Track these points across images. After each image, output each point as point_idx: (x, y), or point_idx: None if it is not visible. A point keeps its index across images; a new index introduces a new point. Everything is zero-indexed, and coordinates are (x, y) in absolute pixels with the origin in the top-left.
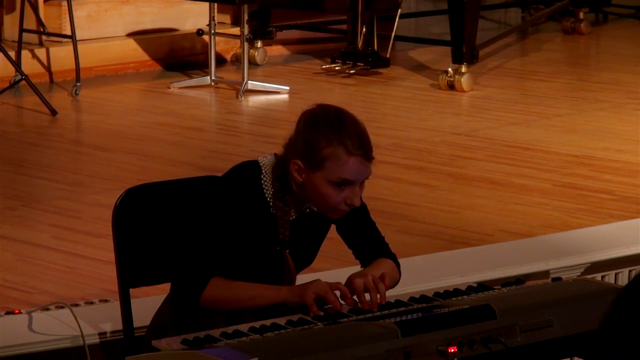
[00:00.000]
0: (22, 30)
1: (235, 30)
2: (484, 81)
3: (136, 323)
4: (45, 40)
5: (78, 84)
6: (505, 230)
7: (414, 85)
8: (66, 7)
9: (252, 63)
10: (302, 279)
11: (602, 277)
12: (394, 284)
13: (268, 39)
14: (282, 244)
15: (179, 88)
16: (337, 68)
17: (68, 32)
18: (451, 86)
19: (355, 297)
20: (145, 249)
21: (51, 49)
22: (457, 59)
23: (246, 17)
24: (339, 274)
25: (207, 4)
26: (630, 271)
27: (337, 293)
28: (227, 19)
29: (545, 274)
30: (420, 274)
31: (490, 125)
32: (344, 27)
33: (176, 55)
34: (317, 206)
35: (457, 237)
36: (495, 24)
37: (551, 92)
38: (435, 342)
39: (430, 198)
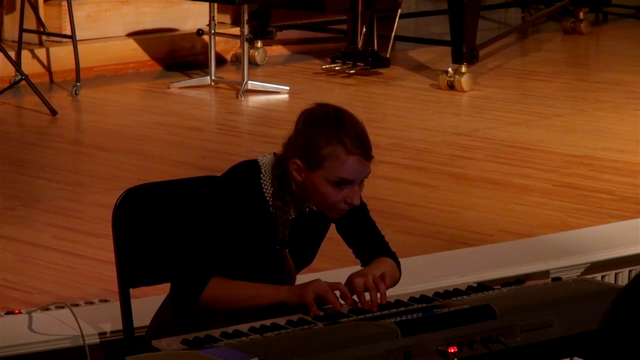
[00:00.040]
0: (22, 30)
1: (235, 30)
2: (484, 81)
3: (136, 323)
4: (45, 40)
5: (78, 84)
6: (505, 230)
7: (414, 85)
8: (66, 7)
9: (252, 63)
10: (302, 279)
11: (602, 277)
12: (395, 282)
13: (268, 39)
14: (282, 243)
15: (179, 88)
16: (337, 68)
17: (68, 32)
18: (451, 86)
19: (355, 296)
20: (145, 249)
21: (51, 49)
22: (457, 59)
23: (246, 17)
24: (339, 274)
25: (207, 4)
26: (630, 271)
27: (337, 293)
28: (227, 19)
29: (545, 274)
30: (420, 274)
31: (490, 125)
32: (344, 27)
33: (176, 55)
34: (316, 205)
35: (457, 237)
36: (495, 24)
37: (551, 92)
38: (435, 342)
39: (430, 198)
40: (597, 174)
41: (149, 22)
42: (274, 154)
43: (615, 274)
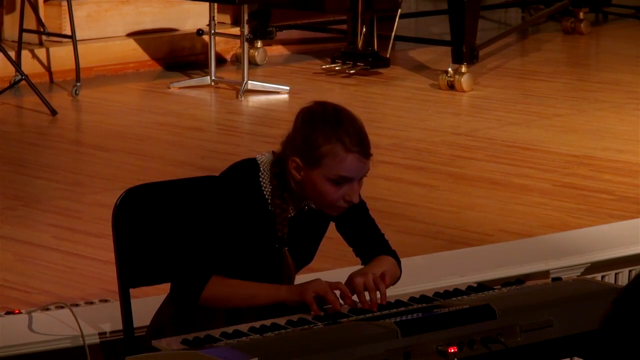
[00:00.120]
0: (22, 30)
1: (235, 30)
2: (484, 81)
3: (136, 323)
4: (45, 40)
5: (78, 84)
6: (505, 230)
7: (414, 85)
8: (66, 7)
9: (252, 63)
10: (301, 279)
11: (602, 277)
12: (395, 281)
13: (268, 39)
14: (281, 241)
15: (179, 88)
16: (337, 68)
17: (68, 32)
18: (451, 86)
19: (355, 296)
20: (145, 249)
21: (51, 49)
22: (457, 59)
23: (246, 17)
24: (339, 274)
25: (207, 4)
26: (630, 271)
27: (337, 292)
28: (227, 19)
29: (545, 274)
30: (420, 274)
31: (490, 125)
32: (344, 27)
33: (176, 55)
34: (315, 203)
35: (457, 237)
36: (495, 24)
37: (551, 92)
38: (435, 342)
39: (430, 198)
40: (597, 174)
41: (149, 22)
42: (273, 152)
43: (615, 274)
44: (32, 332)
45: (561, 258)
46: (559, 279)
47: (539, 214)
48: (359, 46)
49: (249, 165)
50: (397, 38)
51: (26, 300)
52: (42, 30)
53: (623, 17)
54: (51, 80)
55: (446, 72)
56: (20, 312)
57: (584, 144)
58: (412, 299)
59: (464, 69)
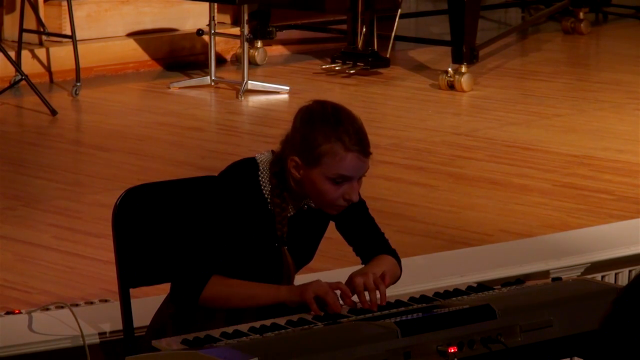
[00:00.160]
0: (22, 30)
1: (235, 30)
2: (484, 81)
3: (136, 323)
4: (45, 40)
5: (78, 84)
6: (505, 230)
7: (414, 85)
8: (66, 7)
9: (252, 63)
10: (301, 279)
11: (602, 277)
12: (395, 280)
13: (268, 39)
14: (281, 240)
15: (179, 88)
16: (337, 68)
17: (68, 32)
18: (451, 86)
19: (355, 296)
20: (145, 249)
21: (51, 49)
22: (457, 59)
23: (246, 17)
24: (339, 274)
25: (207, 4)
26: (630, 271)
27: (338, 292)
28: (227, 19)
29: (545, 274)
30: (420, 274)
31: (490, 125)
32: (344, 27)
33: (176, 55)
34: (315, 202)
35: (457, 237)
36: (495, 24)
37: (551, 92)
38: (435, 342)
39: (430, 198)
40: (597, 174)
41: (149, 22)
42: (272, 151)
43: (615, 274)
44: (32, 332)
45: (561, 258)
46: (559, 279)
47: (539, 214)
48: (359, 46)
49: (249, 165)
50: (397, 38)
51: (26, 300)
52: (42, 30)
53: (623, 17)
54: (51, 80)
55: (446, 72)
56: (20, 312)
57: (584, 144)
58: (412, 299)
59: (464, 69)
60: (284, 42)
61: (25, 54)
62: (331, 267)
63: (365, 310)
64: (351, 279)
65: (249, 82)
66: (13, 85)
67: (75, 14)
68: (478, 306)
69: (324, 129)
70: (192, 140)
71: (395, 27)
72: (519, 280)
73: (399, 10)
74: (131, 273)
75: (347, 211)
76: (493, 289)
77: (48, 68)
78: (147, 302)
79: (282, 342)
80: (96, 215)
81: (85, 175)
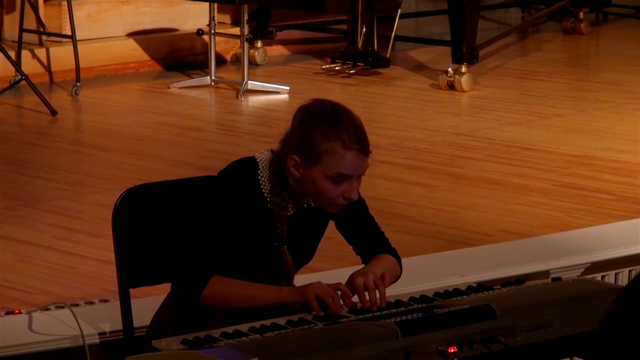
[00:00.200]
0: (22, 30)
1: (235, 30)
2: (484, 81)
3: (136, 323)
4: (45, 40)
5: (78, 84)
6: (505, 230)
7: (414, 85)
8: (66, 7)
9: (252, 63)
10: (301, 278)
11: (602, 277)
12: (395, 279)
13: (268, 39)
14: (280, 239)
15: (179, 88)
16: (337, 68)
17: (68, 32)
18: (451, 86)
19: (355, 296)
20: (145, 249)
21: (51, 49)
22: (457, 59)
23: (246, 17)
24: (339, 274)
25: (207, 4)
26: (630, 271)
27: (338, 292)
28: (227, 19)
29: (545, 274)
30: (420, 274)
31: (490, 125)
32: (344, 27)
33: (176, 55)
34: (314, 201)
35: (457, 237)
36: (495, 24)
37: (551, 92)
38: (435, 342)
39: (430, 198)
40: (597, 174)
41: (149, 22)
42: (271, 150)
43: (615, 274)
44: (32, 332)
45: (561, 258)
46: (559, 279)
47: (539, 214)
48: (359, 46)
49: (248, 164)
50: (397, 38)
51: (26, 300)
52: (42, 30)
53: (623, 17)
54: (51, 80)
55: (446, 72)
56: (20, 312)
57: (584, 144)
58: (412, 299)
59: (464, 69)
60: (284, 42)
61: (25, 54)
62: (331, 267)
63: (365, 310)
64: (351, 279)
65: (249, 82)
66: (13, 85)
67: (75, 14)
68: (478, 306)
69: (323, 128)
70: (192, 140)
71: (395, 27)
72: (519, 280)
73: (399, 10)
74: (131, 273)
75: (347, 210)
76: (493, 289)
77: (48, 68)
78: (147, 302)
79: (282, 342)
80: (96, 215)
81: (85, 175)
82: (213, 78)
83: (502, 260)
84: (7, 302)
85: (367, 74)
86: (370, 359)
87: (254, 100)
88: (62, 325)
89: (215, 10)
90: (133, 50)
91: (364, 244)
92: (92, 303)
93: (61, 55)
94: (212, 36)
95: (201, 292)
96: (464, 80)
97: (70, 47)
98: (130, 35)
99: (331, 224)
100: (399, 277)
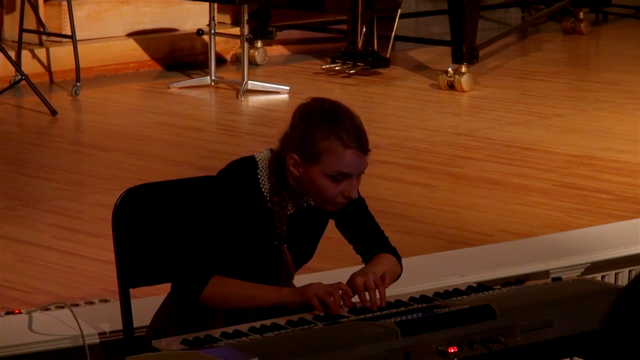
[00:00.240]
0: (22, 30)
1: (235, 30)
2: (484, 81)
3: (136, 323)
4: (45, 40)
5: (78, 84)
6: (505, 230)
7: (414, 85)
8: (66, 7)
9: (252, 63)
10: (301, 278)
11: (602, 277)
12: (396, 279)
13: (268, 39)
14: (280, 238)
15: (179, 88)
16: (337, 68)
17: (68, 32)
18: (451, 86)
19: (355, 296)
20: (145, 249)
21: (51, 49)
22: (457, 59)
23: (246, 17)
24: (339, 274)
25: (207, 4)
26: (630, 271)
27: (339, 292)
28: (227, 19)
29: (545, 274)
30: (420, 274)
31: (490, 125)
32: (344, 27)
33: (176, 55)
34: (314, 200)
35: (457, 237)
36: (495, 24)
37: (551, 92)
38: (435, 342)
39: (430, 198)
40: (597, 174)
41: (149, 22)
42: (271, 149)
43: (615, 274)
44: (32, 332)
45: (561, 258)
46: (559, 279)
47: (539, 214)
48: (359, 46)
49: (247, 163)
50: (397, 38)
51: (26, 300)
52: (42, 30)
53: (623, 17)
54: (51, 80)
55: (446, 72)
56: (20, 312)
57: (584, 144)
58: (412, 299)
59: (464, 69)
60: (284, 42)
61: (25, 54)
62: (331, 267)
63: (365, 310)
64: (352, 279)
65: (249, 82)
66: (13, 85)
67: (75, 14)
68: (478, 306)
69: (322, 127)
70: (192, 140)
71: (395, 27)
72: (519, 280)
73: (399, 10)
74: (131, 273)
75: (346, 209)
76: (493, 289)
77: (48, 68)
78: (147, 302)
79: (282, 342)
80: (96, 215)
81: (85, 175)
82: (213, 78)
83: (502, 260)
84: (7, 302)
85: (367, 74)
86: (370, 359)
87: (254, 100)
88: (62, 325)
89: (215, 10)
90: (133, 50)
91: (364, 243)
92: (92, 303)
93: (61, 55)
94: (212, 36)
95: (201, 292)
96: (464, 80)
97: (70, 47)
98: (130, 35)
99: (331, 223)
100: (399, 276)
